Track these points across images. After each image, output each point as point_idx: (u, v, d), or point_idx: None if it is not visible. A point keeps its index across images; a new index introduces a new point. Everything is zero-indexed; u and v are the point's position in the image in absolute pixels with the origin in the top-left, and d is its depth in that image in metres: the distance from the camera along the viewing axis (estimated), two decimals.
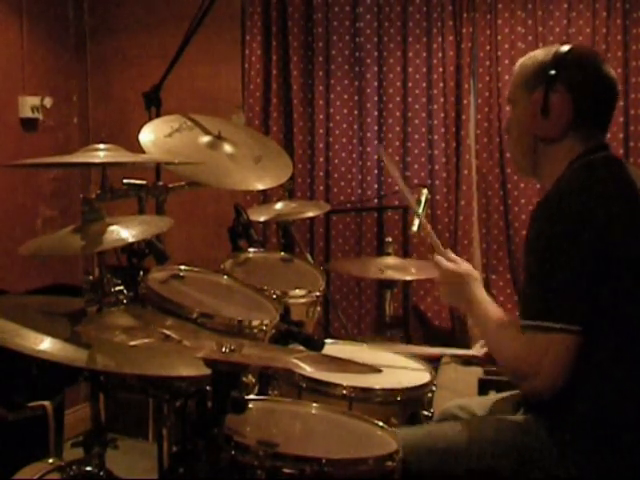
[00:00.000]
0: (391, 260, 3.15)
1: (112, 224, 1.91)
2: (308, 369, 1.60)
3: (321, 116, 3.98)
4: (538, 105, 1.80)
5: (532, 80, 1.83)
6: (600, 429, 1.71)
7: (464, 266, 1.99)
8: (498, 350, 1.85)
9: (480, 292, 1.93)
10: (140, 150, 2.25)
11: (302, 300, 2.39)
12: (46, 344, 1.62)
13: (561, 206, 1.71)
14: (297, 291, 2.38)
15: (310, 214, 3.28)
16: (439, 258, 2.01)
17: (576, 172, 1.79)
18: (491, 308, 1.89)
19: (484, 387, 3.00)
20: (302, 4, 3.98)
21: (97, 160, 1.95)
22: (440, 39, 3.79)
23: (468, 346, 3.76)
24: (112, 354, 1.65)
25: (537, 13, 3.64)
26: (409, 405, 2.09)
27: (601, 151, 1.83)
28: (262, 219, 3.07)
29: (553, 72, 1.80)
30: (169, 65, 2.58)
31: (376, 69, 3.92)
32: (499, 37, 3.70)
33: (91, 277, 1.92)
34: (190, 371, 1.71)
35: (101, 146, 1.98)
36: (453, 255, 2.04)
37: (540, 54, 1.87)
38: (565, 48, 1.85)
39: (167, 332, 1.61)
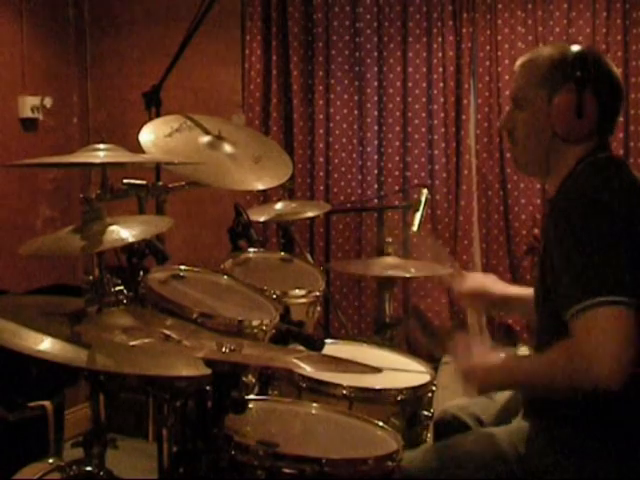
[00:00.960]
0: (391, 260, 3.15)
1: (112, 224, 1.91)
2: (308, 369, 1.60)
3: (321, 116, 3.98)
4: (570, 106, 1.77)
5: (550, 79, 1.80)
6: (598, 432, 1.70)
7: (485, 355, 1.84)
8: (550, 375, 1.68)
9: (492, 372, 1.79)
10: (140, 150, 2.25)
11: (302, 300, 2.39)
12: (46, 344, 1.62)
13: (579, 195, 1.71)
14: (297, 291, 2.38)
15: (310, 214, 3.28)
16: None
17: (585, 171, 1.78)
18: (511, 358, 1.84)
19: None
20: (302, 4, 3.98)
21: (97, 160, 1.95)
22: (440, 39, 3.79)
23: None
24: (112, 354, 1.65)
25: (537, 13, 3.64)
26: (409, 405, 2.09)
27: (602, 151, 1.83)
28: (262, 219, 3.07)
29: (579, 73, 1.77)
30: (169, 65, 2.58)
31: (376, 69, 3.92)
32: (499, 37, 3.70)
33: (91, 277, 1.92)
34: (190, 371, 1.71)
35: (101, 146, 1.98)
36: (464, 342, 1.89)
37: (551, 53, 1.83)
38: (579, 48, 1.83)
39: (167, 332, 1.61)
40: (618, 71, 1.87)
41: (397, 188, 3.91)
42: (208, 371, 1.54)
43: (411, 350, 3.02)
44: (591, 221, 1.66)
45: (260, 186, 2.62)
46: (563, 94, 1.78)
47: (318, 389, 2.02)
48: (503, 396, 2.09)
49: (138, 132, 2.35)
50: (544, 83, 1.81)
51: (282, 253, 2.75)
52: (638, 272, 1.62)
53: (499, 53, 3.70)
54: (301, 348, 1.86)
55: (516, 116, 1.88)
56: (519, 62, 1.90)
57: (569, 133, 1.80)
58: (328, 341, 2.37)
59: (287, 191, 3.21)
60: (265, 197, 3.94)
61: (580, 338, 1.59)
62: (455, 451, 1.83)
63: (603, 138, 1.84)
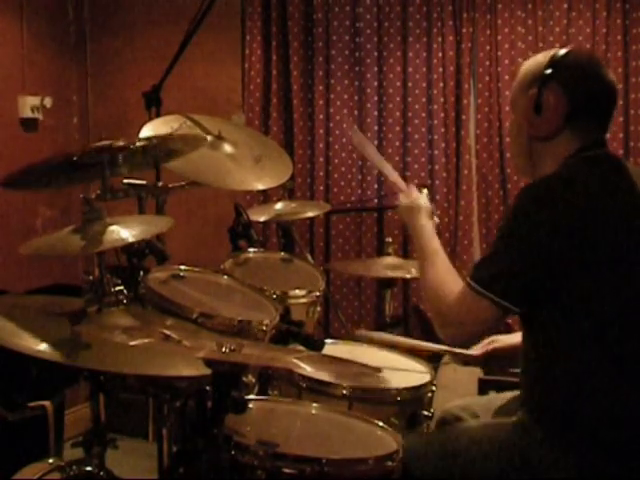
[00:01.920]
0: (391, 260, 3.15)
1: (112, 224, 1.91)
2: (308, 369, 1.60)
3: (321, 116, 3.98)
4: (531, 103, 1.82)
5: (529, 81, 1.85)
6: (596, 431, 1.71)
7: (413, 197, 2.21)
8: (436, 286, 1.90)
9: (429, 225, 2.09)
10: None
11: (302, 300, 2.39)
12: (46, 344, 1.62)
13: (542, 197, 1.73)
14: (297, 291, 2.38)
15: (310, 214, 3.28)
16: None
17: (569, 166, 1.80)
18: (440, 247, 2.00)
19: (484, 387, 3.00)
20: (302, 4, 3.98)
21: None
22: (440, 39, 3.79)
23: (467, 346, 3.77)
24: (112, 354, 1.65)
25: (537, 13, 3.64)
26: (409, 405, 2.09)
27: (598, 148, 1.84)
28: (262, 219, 3.07)
29: (548, 71, 1.81)
30: (169, 65, 2.58)
31: (376, 69, 3.92)
32: (499, 37, 3.70)
33: (91, 277, 1.92)
34: (190, 371, 1.71)
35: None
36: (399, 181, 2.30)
37: (540, 57, 1.89)
38: (563, 50, 1.86)
39: (167, 332, 1.61)
40: (617, 71, 1.89)
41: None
42: (208, 371, 1.54)
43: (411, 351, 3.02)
44: (522, 213, 1.74)
45: (260, 186, 2.62)
46: (528, 94, 1.84)
47: (318, 389, 2.02)
48: (503, 396, 2.10)
49: (138, 132, 2.35)
50: (524, 85, 1.87)
51: (282, 253, 2.74)
52: (568, 276, 1.69)
53: (499, 53, 3.70)
54: (301, 348, 1.86)
55: (511, 120, 1.98)
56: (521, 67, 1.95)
57: (534, 130, 1.84)
58: (328, 341, 2.37)
59: (287, 191, 3.21)
60: (265, 197, 3.94)
61: (464, 303, 1.79)
62: (455, 443, 1.84)
63: (589, 136, 1.83)
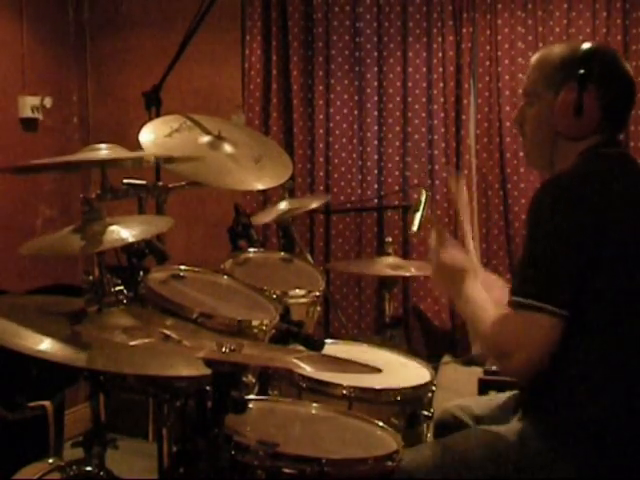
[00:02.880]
0: (391, 260, 3.15)
1: (112, 224, 1.91)
2: (308, 369, 1.60)
3: (321, 116, 3.98)
4: (570, 104, 1.78)
5: (557, 77, 1.81)
6: (595, 431, 1.70)
7: (460, 261, 1.91)
8: (481, 328, 1.79)
9: (472, 288, 1.86)
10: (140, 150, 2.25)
11: (302, 300, 2.40)
12: (46, 344, 1.62)
13: (565, 190, 1.71)
14: (297, 291, 2.39)
15: (311, 206, 3.25)
16: (436, 250, 1.93)
17: (585, 161, 1.79)
18: (480, 297, 1.84)
19: (484, 387, 3.00)
20: (302, 4, 3.98)
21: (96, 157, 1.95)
22: (440, 39, 3.79)
23: (468, 346, 3.78)
24: (112, 354, 1.65)
25: (537, 13, 3.64)
26: (409, 405, 2.09)
27: (613, 145, 1.83)
28: (264, 221, 3.07)
29: (583, 71, 1.78)
30: (169, 65, 2.58)
31: (376, 69, 3.92)
32: (499, 37, 3.70)
33: (91, 277, 1.92)
34: (190, 371, 1.71)
35: (102, 145, 1.98)
36: (453, 247, 1.95)
37: (563, 50, 1.85)
38: (589, 45, 1.84)
39: (167, 332, 1.61)
40: (631, 71, 1.87)
41: (397, 188, 3.91)
42: (208, 371, 1.54)
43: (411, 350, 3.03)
44: (557, 211, 1.69)
45: (260, 186, 2.62)
46: (565, 93, 1.79)
47: (318, 389, 2.02)
48: (503, 396, 2.09)
49: (138, 132, 2.35)
50: (551, 81, 1.82)
51: (282, 253, 2.75)
52: (583, 278, 1.66)
53: (499, 53, 3.70)
54: (301, 348, 1.86)
55: (526, 111, 1.90)
56: (534, 57, 1.91)
57: (570, 131, 1.81)
58: (328, 341, 2.37)
59: (287, 191, 3.21)
60: (265, 197, 3.94)
61: (515, 325, 1.69)
62: (454, 449, 1.83)
63: (609, 134, 1.83)
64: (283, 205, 3.12)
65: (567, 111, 1.79)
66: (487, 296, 1.84)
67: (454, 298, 1.93)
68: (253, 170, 2.50)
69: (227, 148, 2.48)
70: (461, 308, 1.89)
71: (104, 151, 1.97)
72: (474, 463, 1.78)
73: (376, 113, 3.94)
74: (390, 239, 3.27)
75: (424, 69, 3.84)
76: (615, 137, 1.86)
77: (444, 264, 1.90)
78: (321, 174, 4.00)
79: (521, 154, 3.68)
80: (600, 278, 1.68)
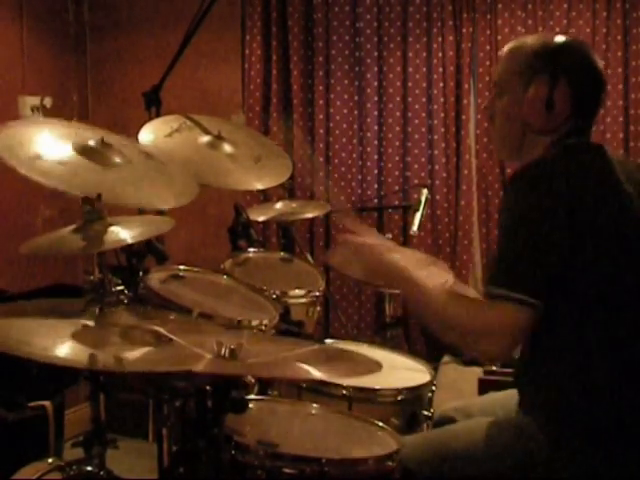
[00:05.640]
0: None
1: (112, 224, 1.91)
2: (316, 374, 1.59)
3: (321, 116, 3.98)
4: (542, 100, 1.78)
5: (527, 70, 1.80)
6: (592, 428, 1.71)
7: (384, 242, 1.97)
8: (448, 314, 1.76)
9: (402, 263, 1.87)
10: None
11: (302, 300, 2.40)
12: (46, 345, 1.61)
13: (536, 180, 1.71)
14: (297, 291, 2.39)
15: (310, 215, 3.27)
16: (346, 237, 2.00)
17: (554, 152, 1.79)
18: (424, 278, 1.84)
19: (484, 387, 3.00)
20: (302, 4, 3.98)
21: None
22: (440, 39, 3.80)
23: None
24: (112, 354, 1.64)
25: (537, 13, 3.64)
26: (409, 405, 2.09)
27: (582, 136, 1.83)
28: (262, 219, 3.07)
29: (553, 66, 1.78)
30: (169, 65, 2.58)
31: (376, 69, 3.92)
32: (499, 37, 3.70)
33: (91, 277, 1.92)
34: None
35: None
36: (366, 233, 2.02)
37: (534, 42, 1.84)
38: (561, 39, 1.83)
39: (167, 332, 1.61)
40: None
41: (397, 188, 3.91)
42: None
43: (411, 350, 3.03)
44: (529, 199, 1.69)
45: (260, 186, 2.62)
46: (535, 86, 1.79)
47: (318, 389, 2.02)
48: (502, 395, 2.09)
49: (138, 132, 2.35)
50: (522, 73, 1.81)
51: (282, 253, 2.75)
52: (554, 267, 1.66)
53: (499, 53, 3.70)
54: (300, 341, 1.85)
55: (496, 102, 1.89)
56: (505, 48, 1.91)
57: (539, 125, 1.81)
58: (328, 341, 2.37)
59: (287, 191, 3.21)
60: (265, 197, 3.93)
61: (487, 313, 1.69)
62: (455, 441, 1.84)
63: (578, 125, 1.82)
64: (279, 205, 3.12)
65: (537, 105, 1.79)
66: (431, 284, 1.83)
67: (382, 276, 1.95)
68: (253, 170, 2.50)
69: (227, 148, 2.48)
70: (401, 283, 1.87)
71: None
72: (474, 457, 1.79)
73: (376, 113, 3.94)
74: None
75: (424, 69, 3.84)
76: (584, 128, 1.84)
77: (365, 245, 1.95)
78: (321, 174, 4.00)
79: None
80: (573, 266, 1.67)
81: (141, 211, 2.12)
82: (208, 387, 1.61)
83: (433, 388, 2.18)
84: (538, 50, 1.81)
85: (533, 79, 1.79)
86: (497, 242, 1.78)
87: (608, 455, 1.69)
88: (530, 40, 1.86)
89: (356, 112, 3.96)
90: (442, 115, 3.82)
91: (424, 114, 3.86)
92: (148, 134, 2.37)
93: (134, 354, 1.60)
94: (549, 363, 1.75)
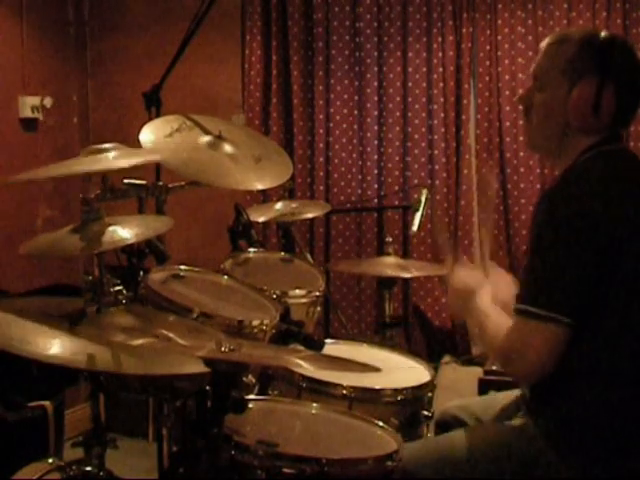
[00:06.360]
0: (391, 260, 3.15)
1: (112, 224, 1.91)
2: (309, 368, 1.60)
3: (321, 116, 3.98)
4: (588, 101, 1.73)
5: (573, 67, 1.75)
6: (595, 432, 1.70)
7: (467, 282, 1.93)
8: (490, 340, 1.82)
9: (480, 304, 1.88)
10: None
11: (302, 300, 2.39)
12: (48, 346, 1.61)
13: (571, 197, 1.69)
14: (297, 291, 2.38)
15: (310, 215, 3.28)
16: (449, 276, 1.98)
17: (590, 162, 1.76)
18: (489, 308, 1.86)
19: (484, 387, 3.00)
20: (302, 4, 3.98)
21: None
22: (440, 39, 3.79)
23: (468, 346, 3.78)
24: (112, 354, 1.64)
25: (537, 13, 3.64)
26: (409, 405, 2.09)
27: (616, 141, 1.81)
28: (262, 219, 3.07)
29: (602, 67, 1.73)
30: (169, 65, 2.58)
31: (376, 69, 3.92)
32: (499, 37, 3.70)
33: (91, 277, 1.92)
34: (190, 369, 1.70)
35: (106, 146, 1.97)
36: (461, 268, 1.99)
37: (580, 39, 1.78)
38: (607, 35, 1.79)
39: (167, 332, 1.61)
40: None
41: (397, 188, 3.91)
42: (207, 370, 1.54)
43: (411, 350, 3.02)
44: (571, 228, 1.66)
45: (260, 186, 2.62)
46: (583, 86, 1.74)
47: (318, 389, 2.02)
48: (503, 395, 2.09)
49: (138, 132, 2.35)
50: (567, 70, 1.76)
51: (282, 253, 2.75)
52: (600, 285, 1.65)
53: (499, 53, 3.70)
54: (301, 348, 1.86)
55: (534, 95, 1.84)
56: (548, 40, 1.84)
57: (583, 126, 1.76)
58: (328, 341, 2.37)
59: (287, 191, 3.21)
60: (265, 197, 3.94)
61: (520, 332, 1.71)
62: (457, 446, 1.84)
63: (616, 129, 1.80)
64: (279, 205, 3.12)
65: (583, 107, 1.74)
66: (496, 309, 1.85)
67: (466, 317, 1.97)
68: (253, 170, 2.49)
69: (227, 148, 2.47)
70: (473, 324, 1.92)
71: (107, 153, 1.97)
72: (477, 461, 1.78)
73: (376, 113, 3.94)
74: (390, 239, 3.27)
75: (424, 69, 3.84)
76: (619, 132, 1.83)
77: (455, 289, 1.95)
78: (321, 174, 4.00)
79: (521, 154, 3.68)
80: (606, 287, 1.67)
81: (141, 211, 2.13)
82: (208, 387, 1.61)
83: (433, 388, 2.17)
84: (583, 48, 1.76)
85: (580, 77, 1.74)
86: (532, 259, 1.74)
87: (615, 458, 1.69)
88: (574, 36, 1.80)
89: (356, 112, 3.96)
90: (442, 115, 3.82)
91: (424, 114, 3.85)
92: (148, 134, 2.36)
93: (134, 354, 1.60)
94: (572, 375, 1.72)
